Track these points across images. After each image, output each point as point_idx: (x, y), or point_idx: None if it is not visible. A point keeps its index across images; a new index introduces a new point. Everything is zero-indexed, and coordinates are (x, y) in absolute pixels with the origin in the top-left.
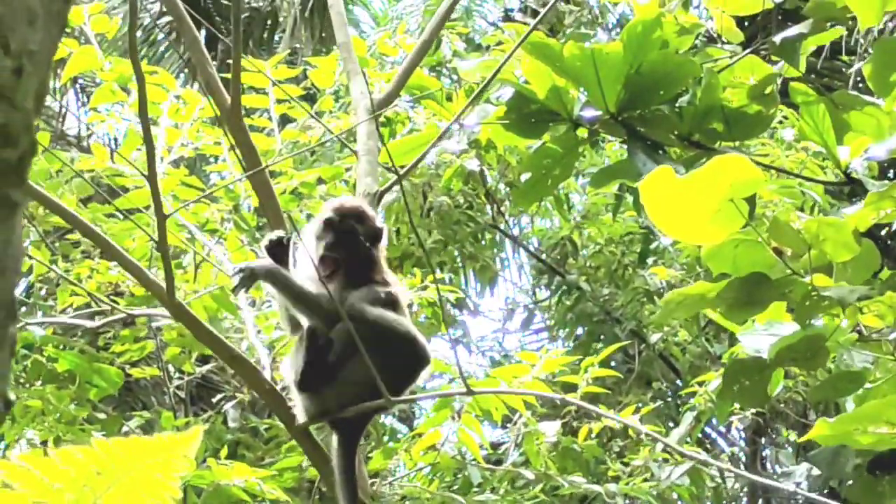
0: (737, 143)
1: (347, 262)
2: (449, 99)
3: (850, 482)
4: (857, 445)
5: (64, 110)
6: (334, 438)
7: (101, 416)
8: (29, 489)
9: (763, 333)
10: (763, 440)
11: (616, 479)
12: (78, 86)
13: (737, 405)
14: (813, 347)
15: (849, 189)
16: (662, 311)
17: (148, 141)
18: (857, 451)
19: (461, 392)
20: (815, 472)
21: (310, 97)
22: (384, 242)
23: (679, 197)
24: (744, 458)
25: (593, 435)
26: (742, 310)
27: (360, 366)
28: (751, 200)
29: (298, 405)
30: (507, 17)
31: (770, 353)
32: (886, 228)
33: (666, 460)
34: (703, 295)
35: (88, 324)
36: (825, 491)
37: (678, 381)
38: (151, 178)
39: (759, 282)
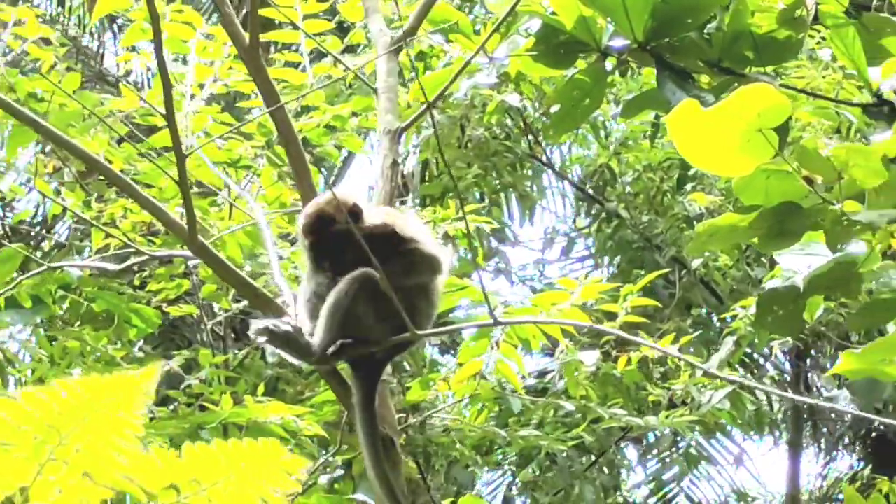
0: (768, 69)
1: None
2: (478, 32)
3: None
4: (887, 378)
5: (102, 50)
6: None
7: (141, 355)
8: None
9: (800, 254)
10: (808, 362)
11: (657, 405)
12: (116, 25)
13: None
14: (846, 275)
15: (888, 109)
16: (694, 243)
17: (165, 81)
18: None
19: (487, 323)
20: None
21: (343, 29)
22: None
23: (707, 129)
24: (788, 381)
25: (633, 364)
26: (775, 240)
27: (383, 307)
28: (781, 129)
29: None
30: None
31: (803, 282)
32: None
33: (706, 385)
34: (735, 226)
35: (111, 267)
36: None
37: (720, 306)
38: (169, 117)
39: (791, 211)
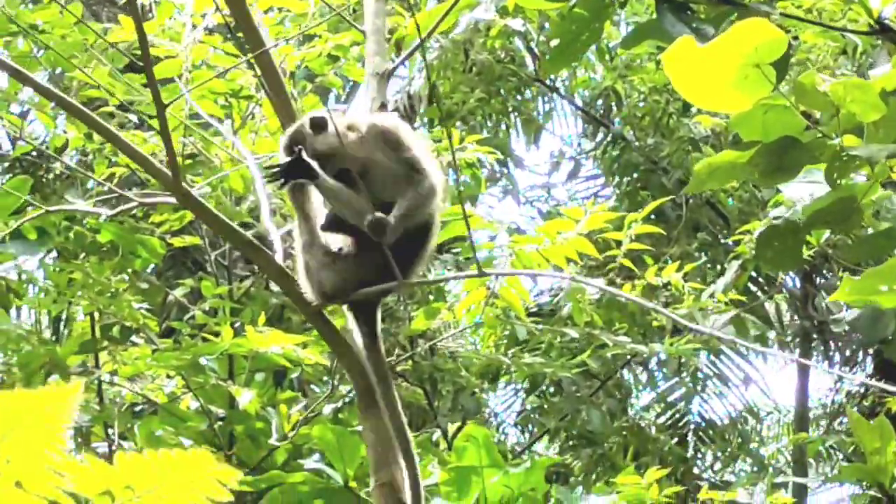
0: None
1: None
2: None
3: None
4: (887, 304)
5: None
6: (351, 318)
7: (146, 286)
8: None
9: (805, 182)
10: (817, 282)
11: (661, 329)
12: None
13: None
14: (846, 208)
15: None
16: (694, 182)
17: (140, 32)
18: None
19: (473, 275)
20: None
21: None
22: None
23: (703, 65)
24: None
25: (637, 290)
26: (774, 175)
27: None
28: (779, 64)
29: (309, 287)
30: None
31: (802, 217)
32: None
33: (708, 308)
34: (734, 163)
35: (103, 212)
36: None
37: (727, 227)
38: (147, 67)
39: (789, 146)
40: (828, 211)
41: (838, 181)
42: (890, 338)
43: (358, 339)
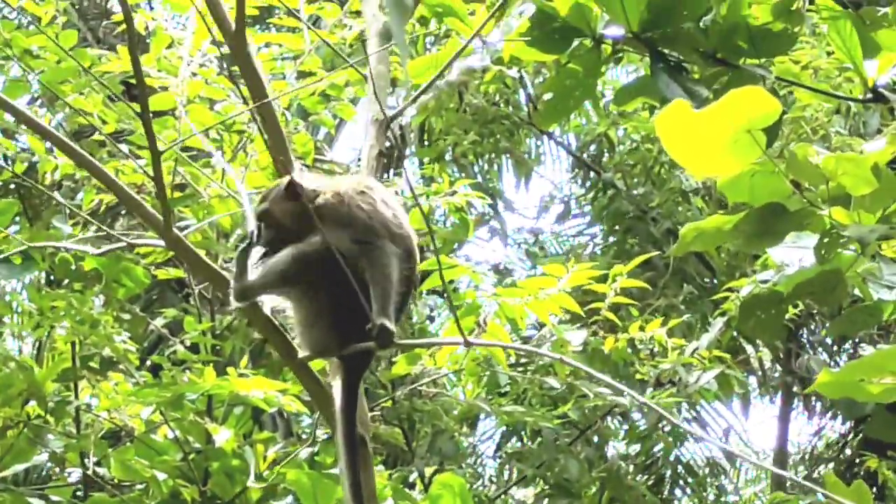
0: (763, 60)
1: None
2: (472, 14)
3: (871, 419)
4: (864, 397)
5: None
6: (338, 370)
7: (127, 317)
8: None
9: (792, 246)
10: (803, 336)
11: (644, 382)
12: None
13: None
14: (831, 281)
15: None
16: (679, 245)
17: (140, 80)
18: None
19: (456, 342)
20: None
21: None
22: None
23: (695, 130)
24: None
25: (621, 343)
26: (759, 241)
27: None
28: (771, 130)
29: (300, 340)
30: None
31: (786, 288)
32: None
33: (693, 365)
34: (720, 228)
35: (90, 250)
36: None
37: (713, 279)
38: (144, 115)
39: (776, 213)
40: (812, 282)
41: (827, 257)
42: (870, 414)
43: (337, 395)
